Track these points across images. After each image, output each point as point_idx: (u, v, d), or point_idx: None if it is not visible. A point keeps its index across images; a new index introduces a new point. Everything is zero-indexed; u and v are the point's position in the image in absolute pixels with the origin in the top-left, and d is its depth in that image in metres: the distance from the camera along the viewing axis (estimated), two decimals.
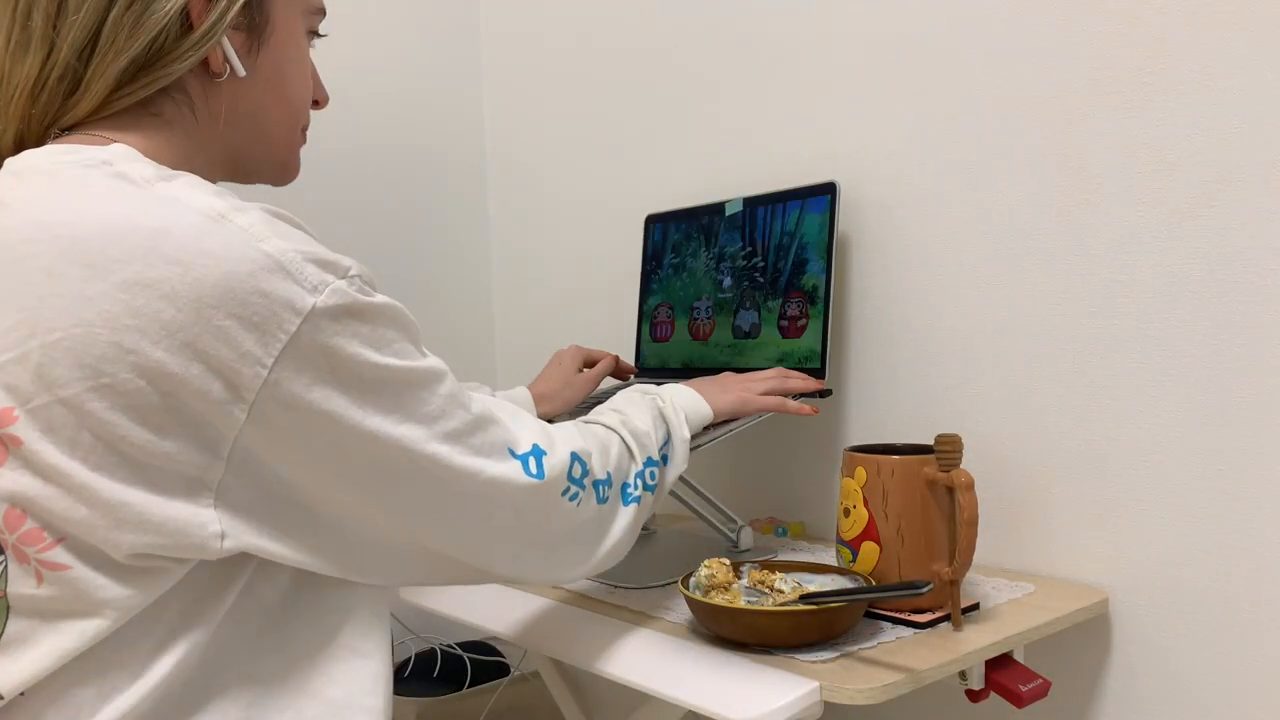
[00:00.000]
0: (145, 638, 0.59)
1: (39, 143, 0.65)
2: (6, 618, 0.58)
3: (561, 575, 0.75)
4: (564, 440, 0.72)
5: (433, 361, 0.64)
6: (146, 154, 0.65)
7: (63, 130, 0.66)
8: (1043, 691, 0.83)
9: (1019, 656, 0.85)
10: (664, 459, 0.83)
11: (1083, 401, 0.96)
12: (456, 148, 1.71)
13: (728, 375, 1.02)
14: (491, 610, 0.99)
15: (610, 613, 0.92)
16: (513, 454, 0.67)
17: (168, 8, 0.64)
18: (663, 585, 0.99)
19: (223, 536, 0.58)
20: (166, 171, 0.61)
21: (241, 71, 0.69)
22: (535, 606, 0.98)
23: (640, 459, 0.79)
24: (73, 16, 0.63)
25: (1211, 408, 0.88)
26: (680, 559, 1.06)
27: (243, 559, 0.61)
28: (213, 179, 0.73)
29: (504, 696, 1.44)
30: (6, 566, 0.58)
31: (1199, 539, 0.90)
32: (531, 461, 0.68)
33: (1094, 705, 0.98)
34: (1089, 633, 0.97)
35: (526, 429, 0.70)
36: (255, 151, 0.74)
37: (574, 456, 0.71)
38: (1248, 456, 0.87)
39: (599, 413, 0.83)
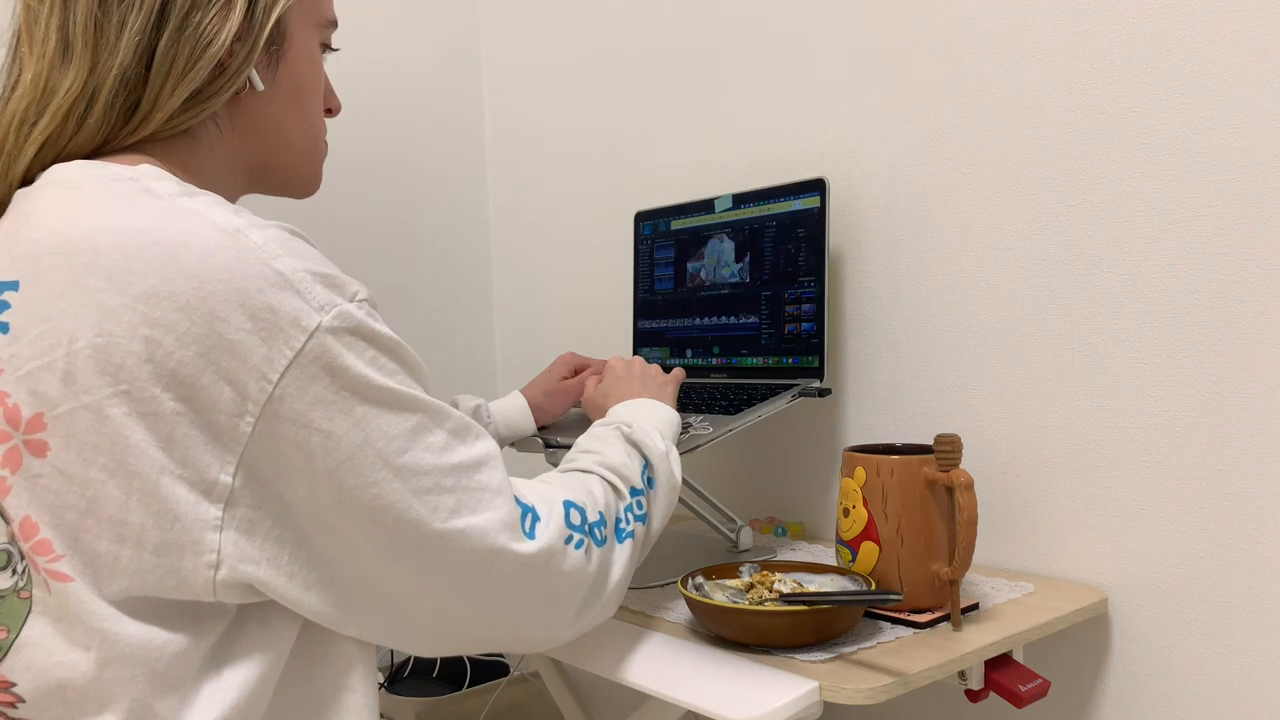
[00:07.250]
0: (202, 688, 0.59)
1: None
2: (27, 616, 0.59)
3: (565, 631, 0.72)
4: (553, 493, 0.72)
5: (437, 401, 0.64)
6: (177, 170, 0.67)
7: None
8: (1042, 691, 0.83)
9: (1018, 656, 0.85)
10: (649, 482, 0.82)
11: (1082, 401, 0.97)
12: (456, 148, 1.71)
13: (637, 363, 1.02)
14: None
15: None
16: (517, 500, 0.67)
17: (221, 39, 0.66)
18: (662, 585, 0.99)
19: (216, 566, 0.58)
20: (189, 188, 0.63)
21: (260, 86, 0.71)
22: None
23: (625, 491, 0.79)
24: (116, 51, 0.65)
25: (1211, 408, 0.88)
26: (680, 559, 1.06)
27: (256, 610, 0.61)
28: (238, 191, 0.76)
29: (504, 696, 1.44)
30: (28, 570, 0.59)
31: (1199, 539, 0.90)
32: (533, 511, 0.68)
33: (1093, 705, 0.98)
34: (1088, 633, 0.97)
35: (524, 481, 0.71)
36: (278, 163, 0.77)
37: (568, 504, 0.71)
38: (1247, 456, 0.87)
39: (571, 459, 0.82)
